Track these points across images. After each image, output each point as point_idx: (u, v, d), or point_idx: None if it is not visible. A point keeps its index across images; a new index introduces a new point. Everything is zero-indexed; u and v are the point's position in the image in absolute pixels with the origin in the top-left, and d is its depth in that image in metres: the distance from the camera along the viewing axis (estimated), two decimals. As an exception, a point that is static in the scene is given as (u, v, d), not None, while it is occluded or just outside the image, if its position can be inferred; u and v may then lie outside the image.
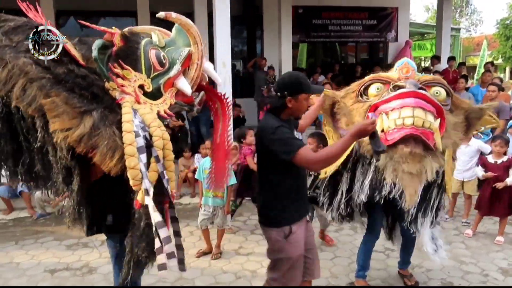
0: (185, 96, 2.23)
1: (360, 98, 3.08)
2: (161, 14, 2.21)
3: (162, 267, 1.86)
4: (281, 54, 9.12)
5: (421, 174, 2.79)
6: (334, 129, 3.28)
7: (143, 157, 1.87)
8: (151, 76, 2.14)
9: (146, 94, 2.10)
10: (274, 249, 2.53)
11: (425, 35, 15.65)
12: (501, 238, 4.43)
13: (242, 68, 11.19)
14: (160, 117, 2.06)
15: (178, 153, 6.47)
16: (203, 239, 4.58)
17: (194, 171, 6.17)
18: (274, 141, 2.36)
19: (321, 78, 9.94)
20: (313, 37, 10.79)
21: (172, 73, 2.17)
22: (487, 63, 9.88)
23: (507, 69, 30.90)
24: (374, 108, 2.92)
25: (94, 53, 2.05)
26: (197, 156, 6.34)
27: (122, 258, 2.14)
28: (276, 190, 2.49)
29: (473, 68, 19.08)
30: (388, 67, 4.13)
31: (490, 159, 4.59)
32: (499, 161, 4.51)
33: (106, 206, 2.33)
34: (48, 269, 3.87)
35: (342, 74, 10.62)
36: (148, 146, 1.92)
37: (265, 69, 9.50)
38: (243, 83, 11.21)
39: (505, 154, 4.55)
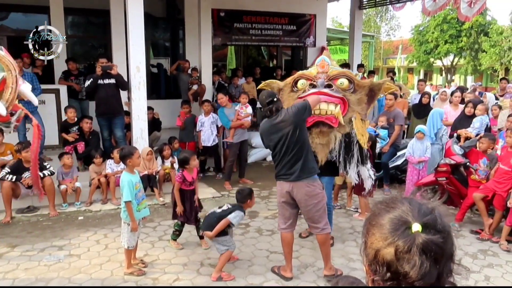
0: (0, 116, 2.54)
1: (292, 88, 4.24)
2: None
3: None
4: (201, 56, 9.20)
5: (329, 143, 4.13)
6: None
7: None
8: None
9: None
10: None
11: (344, 41, 16.47)
12: (357, 215, 5.55)
13: (169, 67, 11.10)
14: None
15: (89, 159, 6.38)
16: (109, 248, 4.60)
17: (105, 177, 6.10)
18: None
19: (241, 81, 10.18)
20: (234, 40, 10.95)
21: None
22: (388, 71, 10.70)
23: (421, 72, 33.44)
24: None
25: None
26: (109, 161, 6.25)
27: None
28: None
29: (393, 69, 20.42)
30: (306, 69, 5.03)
31: None
32: None
33: None
34: None
35: (263, 77, 10.97)
36: None
37: (189, 71, 9.53)
38: (170, 84, 11.10)
39: None
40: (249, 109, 7.16)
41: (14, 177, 5.45)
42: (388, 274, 0.93)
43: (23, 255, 4.43)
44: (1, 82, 2.50)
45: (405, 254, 0.91)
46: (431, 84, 26.71)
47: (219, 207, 4.15)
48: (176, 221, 4.68)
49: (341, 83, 4.10)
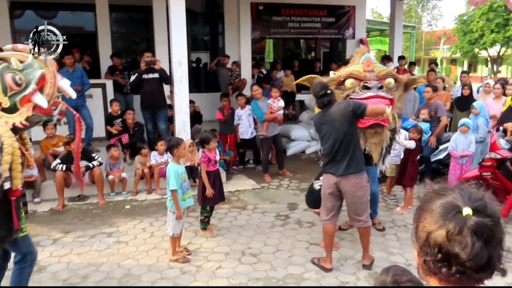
0: (42, 109, 2.75)
1: (338, 86, 4.26)
2: (7, 47, 2.78)
3: None
4: (240, 50, 9.32)
5: (381, 142, 4.34)
6: None
7: None
8: (8, 94, 2.65)
9: (4, 109, 2.64)
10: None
11: (383, 32, 16.13)
12: (399, 208, 5.53)
13: (209, 61, 11.29)
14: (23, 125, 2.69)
15: (136, 150, 6.65)
16: (154, 236, 4.81)
17: (149, 168, 6.35)
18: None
19: (280, 74, 10.21)
20: (273, 33, 10.98)
21: (27, 91, 2.68)
22: (430, 63, 10.42)
23: (465, 63, 32.19)
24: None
25: None
26: (153, 153, 6.48)
27: None
28: None
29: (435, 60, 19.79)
30: (346, 64, 5.12)
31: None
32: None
33: None
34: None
35: (301, 70, 10.93)
36: (1, 151, 2.53)
37: (229, 65, 9.68)
38: (209, 78, 11.30)
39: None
40: (281, 103, 7.20)
41: (64, 166, 5.78)
42: (440, 255, 0.98)
43: (76, 240, 4.71)
44: (41, 78, 2.74)
45: (456, 236, 0.96)
46: (491, 76, 25.41)
47: (315, 181, 4.49)
48: (202, 209, 4.85)
49: (388, 83, 4.23)
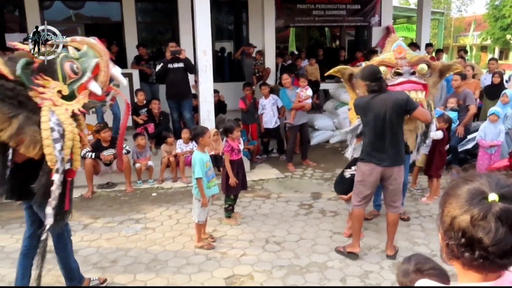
0: (97, 96, 2.90)
1: None
2: (66, 40, 2.89)
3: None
4: (264, 39, 9.29)
5: (416, 129, 4.36)
6: (352, 90, 4.58)
7: (58, 145, 2.64)
8: (67, 83, 2.79)
9: (64, 97, 2.76)
10: None
11: (411, 18, 15.74)
12: (424, 199, 5.44)
13: (233, 50, 11.30)
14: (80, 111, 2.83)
15: (161, 139, 6.77)
16: (180, 223, 4.91)
17: (175, 156, 6.46)
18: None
19: (305, 63, 10.15)
20: (297, 22, 10.89)
21: (84, 79, 2.83)
22: (460, 50, 10.15)
23: (496, 50, 31.12)
24: None
25: (18, 71, 2.63)
26: (179, 142, 6.59)
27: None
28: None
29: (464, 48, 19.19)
30: (372, 52, 5.05)
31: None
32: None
33: (30, 179, 2.79)
34: (33, 251, 4.15)
35: (326, 59, 10.82)
36: (63, 137, 2.65)
37: (253, 54, 9.68)
38: (234, 67, 11.33)
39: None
40: (309, 91, 7.17)
41: (94, 154, 5.95)
42: (463, 240, 0.99)
43: (105, 226, 4.86)
44: (95, 67, 2.88)
45: (480, 221, 0.96)
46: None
47: (346, 169, 4.47)
48: (226, 197, 4.92)
49: (421, 69, 4.23)
